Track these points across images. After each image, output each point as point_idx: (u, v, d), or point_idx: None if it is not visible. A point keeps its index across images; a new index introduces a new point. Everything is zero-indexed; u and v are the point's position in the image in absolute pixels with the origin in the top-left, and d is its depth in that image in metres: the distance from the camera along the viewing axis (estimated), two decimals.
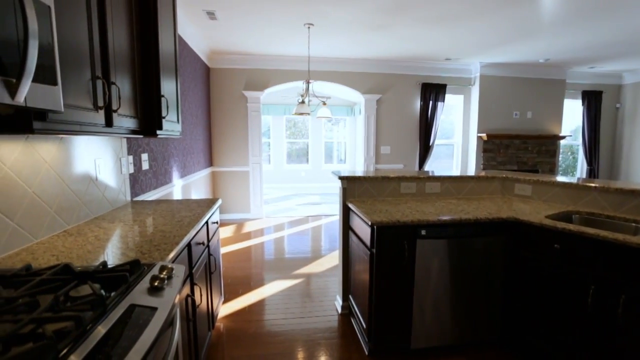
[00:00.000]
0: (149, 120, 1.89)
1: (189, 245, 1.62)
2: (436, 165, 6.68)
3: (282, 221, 5.60)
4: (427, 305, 2.01)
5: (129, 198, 2.34)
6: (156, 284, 0.96)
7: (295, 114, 3.78)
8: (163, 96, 1.93)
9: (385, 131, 5.99)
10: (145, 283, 0.98)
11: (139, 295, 0.93)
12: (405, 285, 1.97)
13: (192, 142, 4.25)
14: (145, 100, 1.86)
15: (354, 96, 8.09)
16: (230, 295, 2.94)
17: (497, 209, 2.20)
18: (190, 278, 1.63)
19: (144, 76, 1.85)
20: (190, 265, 1.64)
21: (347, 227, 2.52)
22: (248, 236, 4.72)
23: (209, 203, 2.29)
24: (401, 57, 5.53)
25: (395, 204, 2.32)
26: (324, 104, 4.07)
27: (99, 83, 1.34)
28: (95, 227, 1.66)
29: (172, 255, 1.29)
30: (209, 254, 2.10)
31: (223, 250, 4.10)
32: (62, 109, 1.02)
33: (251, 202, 5.71)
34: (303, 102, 3.79)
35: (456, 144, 6.43)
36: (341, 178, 2.46)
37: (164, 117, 1.94)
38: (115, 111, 1.47)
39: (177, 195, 3.54)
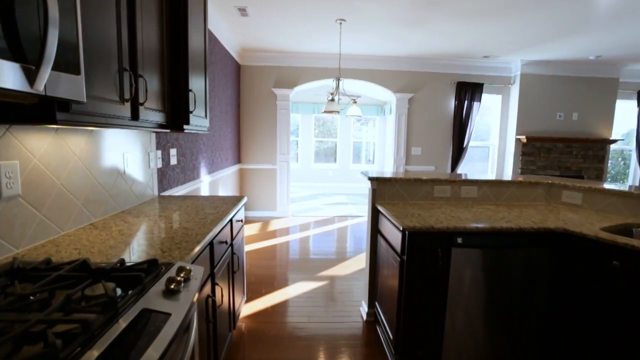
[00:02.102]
0: (176, 114, 1.86)
1: (211, 244, 1.57)
2: (469, 169, 6.38)
3: (308, 220, 5.54)
4: (460, 320, 1.86)
5: (156, 193, 2.35)
6: (172, 286, 0.90)
7: (325, 111, 3.70)
8: (191, 90, 1.90)
9: (417, 132, 5.77)
10: (161, 285, 0.93)
11: (153, 297, 0.88)
12: (437, 297, 1.83)
13: (221, 138, 4.27)
14: (173, 94, 1.84)
15: (385, 95, 7.90)
16: (253, 294, 2.90)
17: (543, 217, 2.00)
18: (211, 278, 1.58)
19: (173, 70, 1.83)
20: (212, 265, 1.59)
21: (375, 231, 2.41)
22: (273, 234, 4.69)
23: (234, 201, 2.25)
24: (435, 55, 5.30)
25: (428, 208, 2.18)
26: (355, 102, 3.95)
27: (126, 75, 1.32)
28: (121, 222, 1.65)
29: (192, 254, 1.24)
30: (232, 253, 2.05)
31: (248, 247, 4.09)
32: (85, 99, 0.98)
33: (278, 200, 5.69)
34: (333, 99, 3.69)
35: (492, 147, 6.10)
36: (371, 179, 2.35)
37: (191, 112, 1.91)
38: (142, 104, 1.44)
39: (205, 191, 3.56)
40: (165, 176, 2.54)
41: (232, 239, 2.06)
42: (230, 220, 2.00)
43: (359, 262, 3.73)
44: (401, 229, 1.79)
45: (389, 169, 9.15)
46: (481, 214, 2.07)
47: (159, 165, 2.42)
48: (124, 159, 1.92)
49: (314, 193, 8.13)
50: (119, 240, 1.36)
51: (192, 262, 1.27)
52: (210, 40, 3.71)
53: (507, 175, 5.48)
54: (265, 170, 5.64)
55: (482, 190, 2.45)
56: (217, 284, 1.65)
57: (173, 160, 2.68)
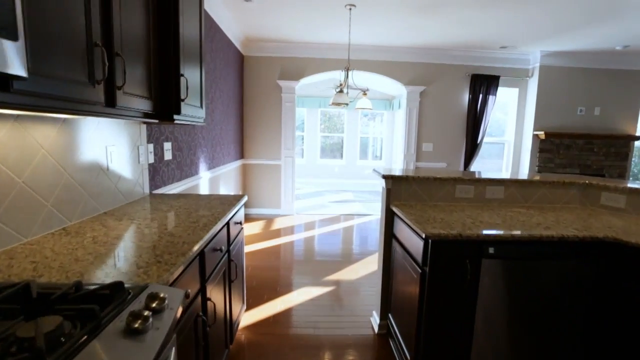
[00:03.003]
0: (165, 102, 1.63)
1: (201, 254, 1.34)
2: (483, 166, 6.10)
3: (313, 219, 5.31)
4: (489, 340, 1.62)
5: (147, 191, 2.12)
6: (136, 325, 0.67)
7: (333, 104, 3.44)
8: (182, 75, 1.67)
9: (428, 126, 5.50)
10: (121, 321, 0.70)
11: (110, 339, 0.65)
12: (464, 314, 1.59)
13: (222, 132, 4.04)
14: (162, 79, 1.61)
15: (394, 89, 7.61)
16: (254, 301, 2.68)
17: (584, 224, 1.75)
18: (201, 293, 1.35)
19: (161, 52, 1.59)
20: (203, 278, 1.37)
21: (389, 235, 2.16)
22: (277, 234, 4.47)
23: (232, 200, 2.02)
24: (449, 45, 5.01)
25: (449, 211, 1.93)
26: (364, 93, 3.69)
27: (97, 52, 1.08)
28: (99, 225, 1.42)
29: (174, 274, 1.01)
30: (229, 260, 1.83)
31: (250, 248, 3.87)
32: (26, 74, 0.75)
33: (282, 197, 5.46)
34: (341, 91, 3.44)
35: (507, 143, 5.80)
36: (385, 177, 2.10)
37: (183, 100, 1.68)
38: (119, 88, 1.21)
39: (204, 188, 3.34)
40: (159, 172, 2.32)
41: (230, 244, 1.83)
42: (227, 223, 1.77)
43: (368, 265, 3.49)
44: (423, 236, 1.54)
45: (397, 166, 8.87)
46: (512, 218, 1.82)
47: (151, 160, 2.19)
48: (108, 153, 1.70)
49: (320, 190, 7.89)
50: (89, 251, 1.13)
51: (174, 281, 1.04)
52: (211, 27, 3.47)
53: (523, 173, 5.20)
54: (270, 166, 5.41)
55: (509, 190, 2.19)
56: (209, 299, 1.42)
57: (167, 155, 2.45)
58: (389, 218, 2.15)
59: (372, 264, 3.50)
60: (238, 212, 2.03)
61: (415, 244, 1.70)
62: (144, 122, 2.03)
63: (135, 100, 1.35)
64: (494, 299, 1.59)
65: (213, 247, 1.50)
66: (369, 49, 5.14)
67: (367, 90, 3.72)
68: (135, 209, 1.75)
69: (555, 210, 2.06)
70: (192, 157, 2.99)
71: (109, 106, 1.18)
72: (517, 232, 1.55)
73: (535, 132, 5.30)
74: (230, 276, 1.82)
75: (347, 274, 3.25)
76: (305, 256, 3.71)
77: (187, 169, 2.86)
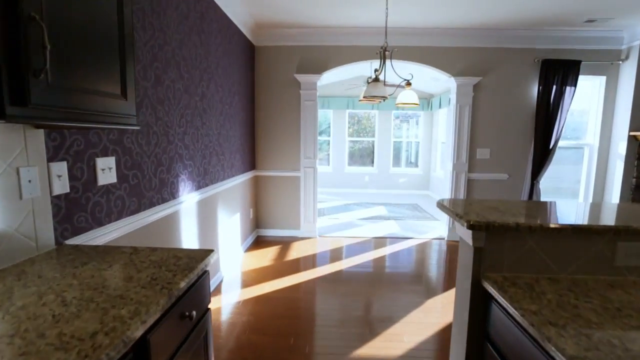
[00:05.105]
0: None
1: None
2: (554, 175, 4.84)
3: (339, 243, 4.32)
4: None
5: (50, 242, 1.24)
6: None
7: (365, 97, 2.47)
8: (34, 19, 0.76)
9: (484, 128, 4.36)
10: None
11: None
12: None
13: (221, 138, 3.16)
14: None
15: (434, 85, 6.49)
16: None
17: None
18: None
19: None
20: None
21: (478, 333, 1.14)
22: (293, 267, 3.52)
23: (196, 258, 1.08)
24: (513, 22, 3.87)
25: (619, 305, 0.88)
26: (408, 84, 2.68)
27: None
28: None
29: None
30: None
31: (252, 292, 2.95)
32: None
33: (301, 216, 4.52)
34: (377, 79, 2.44)
35: (588, 147, 4.53)
36: (474, 227, 1.08)
37: (37, 72, 0.76)
38: None
39: (188, 216, 2.45)
40: (85, 206, 1.44)
41: (185, 339, 0.89)
42: (167, 315, 0.83)
43: (414, 327, 2.45)
44: None
45: (436, 174, 7.66)
46: None
47: (64, 189, 1.31)
48: None
49: (347, 202, 6.89)
50: None
51: None
52: (200, 0, 2.60)
53: (612, 185, 3.94)
54: (286, 178, 4.48)
55: None
56: None
57: (106, 178, 1.56)
58: (479, 302, 1.12)
59: (417, 325, 2.46)
60: (192, 293, 1.08)
61: None
62: (41, 126, 1.16)
63: None
64: None
65: None
66: (407, 32, 4.10)
67: (412, 79, 2.70)
68: None
69: None
70: (163, 176, 2.11)
71: None
72: None
73: (632, 133, 4.02)
74: None
75: (388, 346, 2.23)
76: (327, 310, 2.73)
77: (152, 194, 1.97)
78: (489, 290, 1.05)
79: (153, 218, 1.96)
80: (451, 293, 2.96)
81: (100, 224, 1.53)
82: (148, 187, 1.93)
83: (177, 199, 2.28)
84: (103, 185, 1.55)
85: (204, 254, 1.22)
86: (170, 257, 1.18)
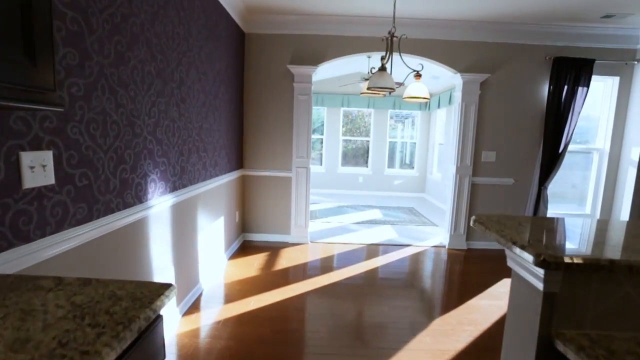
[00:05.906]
0: None
1: None
2: (557, 180, 4.57)
3: (333, 251, 3.97)
4: None
5: None
6: None
7: (369, 89, 2.13)
8: None
9: (491, 129, 4.07)
10: None
11: None
12: None
13: (203, 132, 2.79)
14: None
15: (433, 83, 6.18)
16: None
17: None
18: None
19: None
20: None
21: None
22: (280, 278, 3.16)
23: (143, 300, 0.72)
24: (524, 16, 3.59)
25: None
26: (418, 75, 2.35)
27: None
28: None
29: None
30: None
31: (235, 308, 2.59)
32: None
33: (292, 220, 4.16)
34: (384, 68, 2.10)
35: (598, 152, 4.29)
36: (546, 263, 0.74)
37: None
38: None
39: (159, 223, 2.07)
40: (2, 217, 1.06)
41: None
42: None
43: (423, 356, 2.12)
44: None
45: (435, 176, 7.32)
46: None
47: None
48: None
49: (340, 205, 6.55)
50: None
51: None
52: None
53: (624, 192, 3.68)
54: (276, 178, 4.12)
55: None
56: None
57: (38, 178, 1.19)
58: None
59: (424, 354, 2.13)
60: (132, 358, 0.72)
61: None
62: None
63: None
64: None
65: None
66: (411, 23, 3.77)
67: (422, 68, 2.37)
68: None
69: None
70: (128, 176, 1.73)
71: None
72: None
73: None
74: None
75: None
76: (318, 332, 2.39)
77: (109, 198, 1.60)
78: (570, 358, 0.71)
79: (111, 227, 1.58)
80: (459, 312, 2.65)
81: (26, 239, 1.15)
82: (104, 189, 1.55)
83: (145, 203, 1.90)
84: (32, 189, 1.17)
85: (158, 290, 0.86)
86: (105, 297, 0.81)
